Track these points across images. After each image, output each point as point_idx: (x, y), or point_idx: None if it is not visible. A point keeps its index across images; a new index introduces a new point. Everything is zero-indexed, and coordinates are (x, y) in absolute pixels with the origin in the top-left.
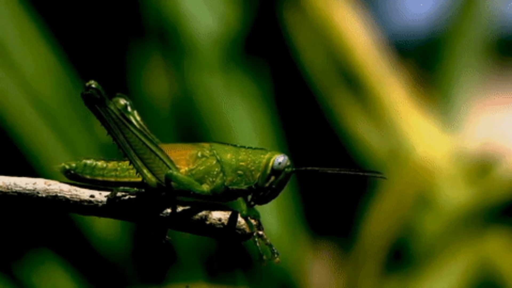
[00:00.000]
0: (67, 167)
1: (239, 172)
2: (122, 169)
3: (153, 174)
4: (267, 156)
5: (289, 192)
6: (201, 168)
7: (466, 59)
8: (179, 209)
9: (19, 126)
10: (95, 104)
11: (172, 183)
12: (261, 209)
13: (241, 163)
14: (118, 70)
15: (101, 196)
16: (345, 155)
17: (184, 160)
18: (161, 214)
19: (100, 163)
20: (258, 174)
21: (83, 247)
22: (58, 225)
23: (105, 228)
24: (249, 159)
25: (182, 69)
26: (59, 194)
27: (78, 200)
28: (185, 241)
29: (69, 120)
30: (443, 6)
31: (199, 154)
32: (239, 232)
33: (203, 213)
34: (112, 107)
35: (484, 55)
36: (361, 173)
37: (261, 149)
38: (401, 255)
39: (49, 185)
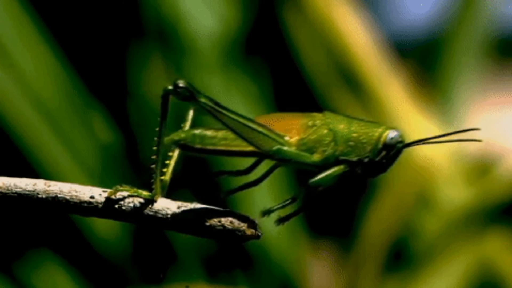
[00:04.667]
0: (175, 138)
1: (351, 143)
2: (232, 138)
3: (262, 149)
4: (380, 130)
5: (289, 192)
6: (312, 137)
7: (466, 59)
8: (179, 210)
9: (19, 127)
10: (187, 101)
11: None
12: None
13: (353, 134)
14: (118, 70)
15: (101, 197)
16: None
17: (295, 129)
18: (160, 216)
19: (209, 132)
20: (370, 147)
21: (83, 247)
22: (58, 225)
23: (105, 228)
24: (361, 131)
25: (182, 69)
26: (59, 195)
27: (78, 201)
28: (185, 241)
29: (69, 120)
30: (443, 6)
31: (310, 123)
32: (239, 233)
33: (203, 214)
34: (203, 99)
35: (484, 55)
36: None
37: (374, 122)
38: (401, 255)
39: (49, 186)
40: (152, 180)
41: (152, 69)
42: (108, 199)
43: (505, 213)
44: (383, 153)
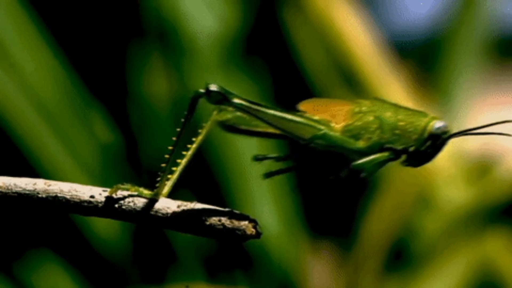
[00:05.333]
0: (220, 119)
1: (397, 131)
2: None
3: (305, 139)
4: (426, 119)
5: (289, 192)
6: (358, 123)
7: (466, 59)
8: (179, 209)
9: (19, 127)
10: (220, 104)
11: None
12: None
13: (400, 123)
14: (118, 70)
15: (101, 196)
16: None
17: (341, 116)
18: (160, 215)
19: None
20: (415, 137)
21: (83, 247)
22: (58, 225)
23: (105, 228)
24: (408, 119)
25: (182, 69)
26: (59, 195)
27: (78, 200)
28: (185, 241)
29: (69, 120)
30: (443, 6)
31: (357, 110)
32: (239, 232)
33: (203, 214)
34: (237, 100)
35: (484, 55)
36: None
37: (421, 111)
38: (401, 255)
39: (49, 185)
40: (158, 179)
41: (152, 69)
42: (108, 198)
43: (505, 213)
44: (428, 143)
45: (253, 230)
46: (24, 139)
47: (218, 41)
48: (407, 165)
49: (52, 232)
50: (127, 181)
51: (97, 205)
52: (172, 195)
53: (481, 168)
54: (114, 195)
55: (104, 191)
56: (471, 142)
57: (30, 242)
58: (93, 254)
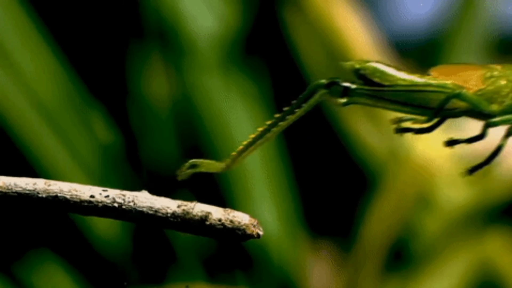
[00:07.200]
0: (357, 66)
1: None
2: (413, 82)
3: (439, 104)
4: None
5: (289, 192)
6: (491, 88)
7: (466, 59)
8: (179, 209)
9: (19, 126)
10: (343, 96)
11: (460, 103)
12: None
13: None
14: (118, 70)
15: (101, 196)
16: (345, 155)
17: (473, 81)
18: (160, 215)
19: (391, 70)
20: None
21: (83, 247)
22: (58, 225)
23: (105, 228)
24: None
25: (182, 70)
26: (59, 195)
27: (78, 200)
28: (185, 241)
29: (69, 120)
30: (443, 6)
31: (488, 75)
32: (240, 232)
33: (203, 213)
34: (356, 86)
35: (484, 55)
36: None
37: None
38: (401, 255)
39: (49, 185)
40: (234, 152)
41: (152, 69)
42: (107, 197)
43: (505, 213)
44: None
45: (253, 230)
46: (24, 139)
47: (218, 41)
48: None
49: (52, 232)
50: (127, 181)
51: (97, 205)
52: (172, 195)
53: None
54: (183, 175)
55: (104, 190)
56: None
57: (30, 242)
58: (93, 254)
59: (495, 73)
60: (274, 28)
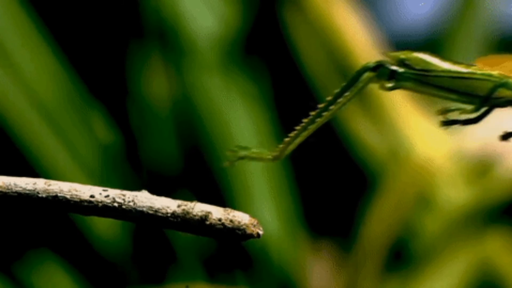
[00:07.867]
0: (402, 56)
1: None
2: (458, 72)
3: (486, 93)
4: None
5: (289, 192)
6: None
7: (466, 59)
8: (179, 208)
9: (19, 126)
10: (390, 79)
11: (506, 92)
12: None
13: None
14: (118, 70)
15: (101, 196)
16: (345, 155)
17: None
18: (160, 215)
19: (435, 60)
20: None
21: (83, 247)
22: (58, 225)
23: (105, 228)
24: None
25: (182, 70)
26: (59, 194)
27: (78, 200)
28: (185, 241)
29: (69, 120)
30: (443, 6)
31: None
32: (240, 232)
33: (203, 213)
34: (402, 70)
35: (484, 55)
36: None
37: None
38: (401, 255)
39: (49, 185)
40: (286, 139)
41: (151, 70)
42: (107, 197)
43: (505, 213)
44: None
45: (253, 229)
46: (24, 139)
47: (218, 41)
48: None
49: (52, 232)
50: (127, 181)
51: (97, 205)
52: (172, 195)
53: (481, 168)
54: (232, 163)
55: (104, 190)
56: (471, 142)
57: (30, 242)
58: (93, 254)
59: None
60: (274, 28)
